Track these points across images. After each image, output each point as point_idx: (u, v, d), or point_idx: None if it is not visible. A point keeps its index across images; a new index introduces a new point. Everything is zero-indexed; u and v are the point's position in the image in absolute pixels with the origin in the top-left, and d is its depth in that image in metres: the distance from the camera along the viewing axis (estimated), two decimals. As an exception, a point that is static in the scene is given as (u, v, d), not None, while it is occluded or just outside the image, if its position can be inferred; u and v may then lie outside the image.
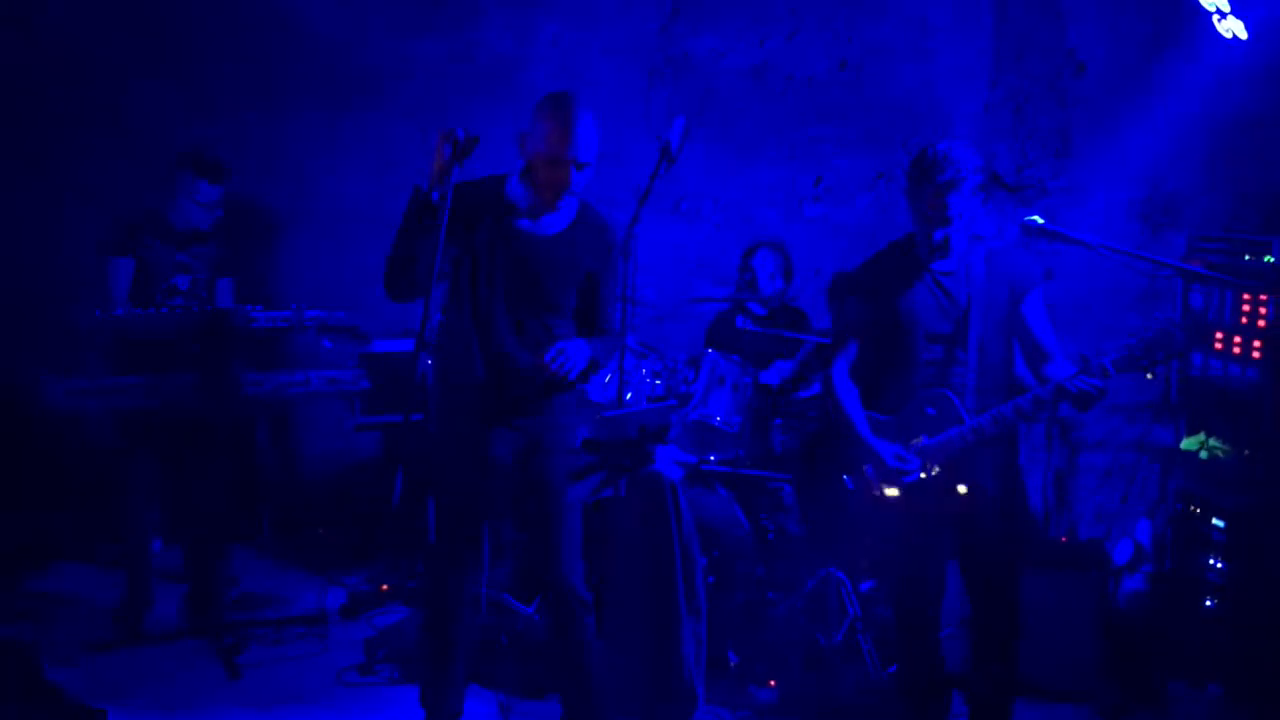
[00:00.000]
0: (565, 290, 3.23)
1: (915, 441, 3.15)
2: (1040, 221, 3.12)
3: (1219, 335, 4.09)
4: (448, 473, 3.19)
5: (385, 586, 4.67)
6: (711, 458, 4.40)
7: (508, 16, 5.43)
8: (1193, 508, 4.09)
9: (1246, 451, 3.99)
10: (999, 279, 3.13)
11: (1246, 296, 3.99)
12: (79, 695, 3.54)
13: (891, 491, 3.16)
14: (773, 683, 3.90)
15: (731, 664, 3.94)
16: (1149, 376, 2.99)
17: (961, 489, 3.10)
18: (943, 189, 3.02)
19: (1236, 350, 4.03)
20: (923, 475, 3.13)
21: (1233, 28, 4.12)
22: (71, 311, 3.86)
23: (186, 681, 3.94)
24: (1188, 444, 4.20)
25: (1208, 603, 3.98)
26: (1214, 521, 3.99)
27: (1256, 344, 3.96)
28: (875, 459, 3.17)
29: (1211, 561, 3.99)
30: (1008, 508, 3.17)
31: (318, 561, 5.08)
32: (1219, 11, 4.10)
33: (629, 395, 4.13)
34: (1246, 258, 4.04)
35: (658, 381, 4.30)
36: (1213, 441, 4.11)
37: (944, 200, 3.03)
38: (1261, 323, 3.95)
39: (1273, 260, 3.95)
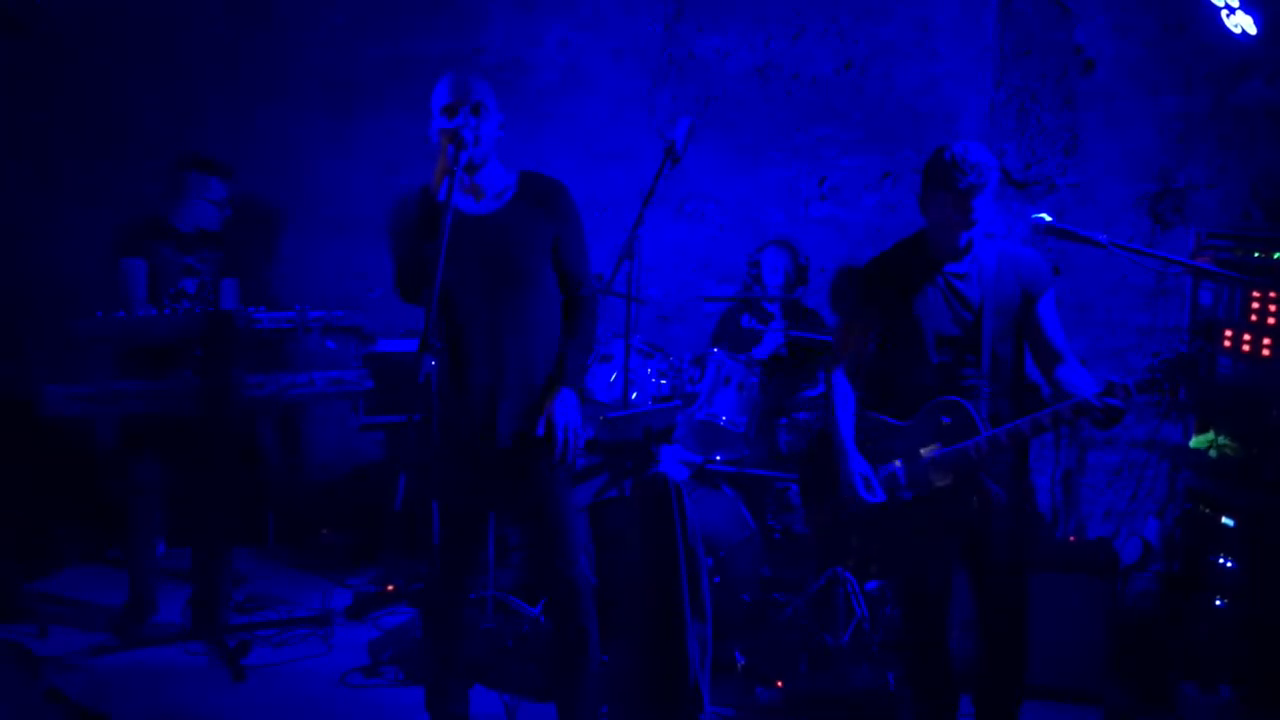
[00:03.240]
0: (530, 262, 3.13)
1: (928, 449, 3.11)
2: (1049, 219, 3.09)
3: (1228, 333, 4.06)
4: (449, 475, 3.17)
5: (390, 587, 4.65)
6: (717, 458, 4.38)
7: (514, 19, 5.43)
8: (1202, 506, 4.05)
9: (1256, 449, 3.95)
10: (1011, 279, 3.09)
11: (1256, 294, 3.96)
12: (81, 699, 3.52)
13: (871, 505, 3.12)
14: (779, 683, 3.87)
15: (738, 665, 3.92)
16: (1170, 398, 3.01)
17: (974, 499, 3.07)
18: (967, 193, 2.96)
19: (1246, 348, 4.00)
20: (895, 497, 3.09)
21: (1241, 22, 4.09)
22: (73, 316, 3.85)
23: (190, 684, 3.93)
24: (1197, 442, 4.17)
25: (1218, 602, 3.95)
26: (1224, 520, 3.95)
27: (1266, 341, 3.93)
28: (846, 476, 3.12)
29: (1222, 560, 3.95)
30: (1017, 514, 3.13)
31: (323, 562, 5.08)
32: (1228, 6, 4.07)
33: (634, 395, 4.11)
34: (1257, 254, 4.01)
35: (663, 381, 4.28)
36: (1222, 439, 4.08)
37: (969, 204, 2.98)
38: (1271, 320, 3.92)
39: (1283, 257, 3.92)
